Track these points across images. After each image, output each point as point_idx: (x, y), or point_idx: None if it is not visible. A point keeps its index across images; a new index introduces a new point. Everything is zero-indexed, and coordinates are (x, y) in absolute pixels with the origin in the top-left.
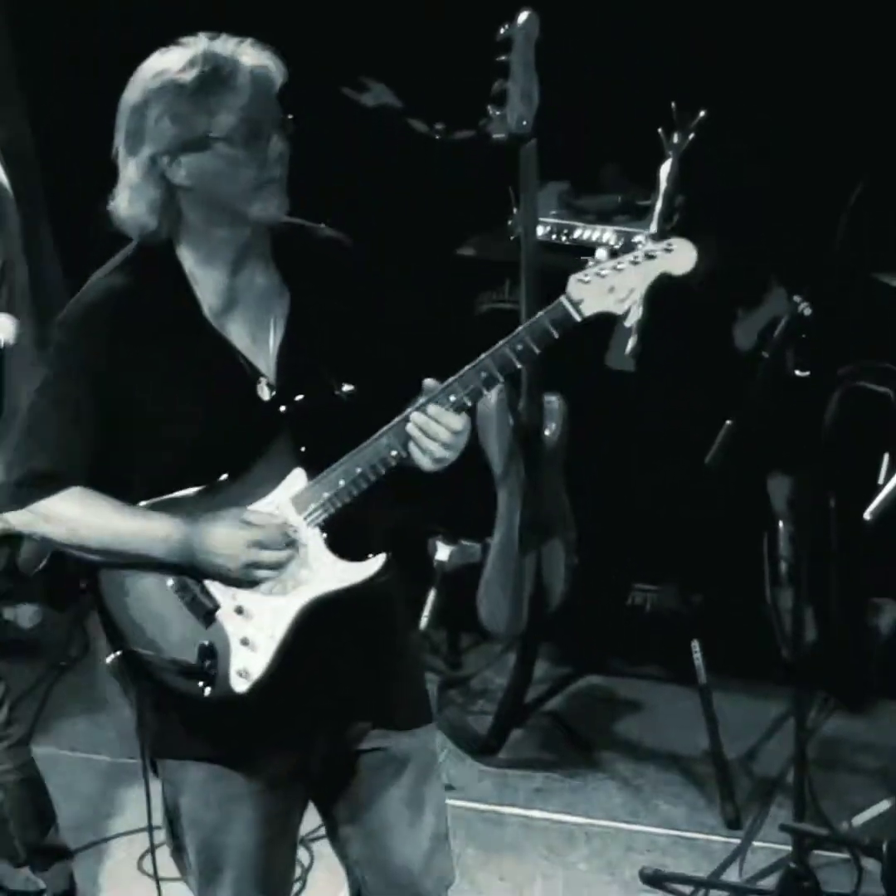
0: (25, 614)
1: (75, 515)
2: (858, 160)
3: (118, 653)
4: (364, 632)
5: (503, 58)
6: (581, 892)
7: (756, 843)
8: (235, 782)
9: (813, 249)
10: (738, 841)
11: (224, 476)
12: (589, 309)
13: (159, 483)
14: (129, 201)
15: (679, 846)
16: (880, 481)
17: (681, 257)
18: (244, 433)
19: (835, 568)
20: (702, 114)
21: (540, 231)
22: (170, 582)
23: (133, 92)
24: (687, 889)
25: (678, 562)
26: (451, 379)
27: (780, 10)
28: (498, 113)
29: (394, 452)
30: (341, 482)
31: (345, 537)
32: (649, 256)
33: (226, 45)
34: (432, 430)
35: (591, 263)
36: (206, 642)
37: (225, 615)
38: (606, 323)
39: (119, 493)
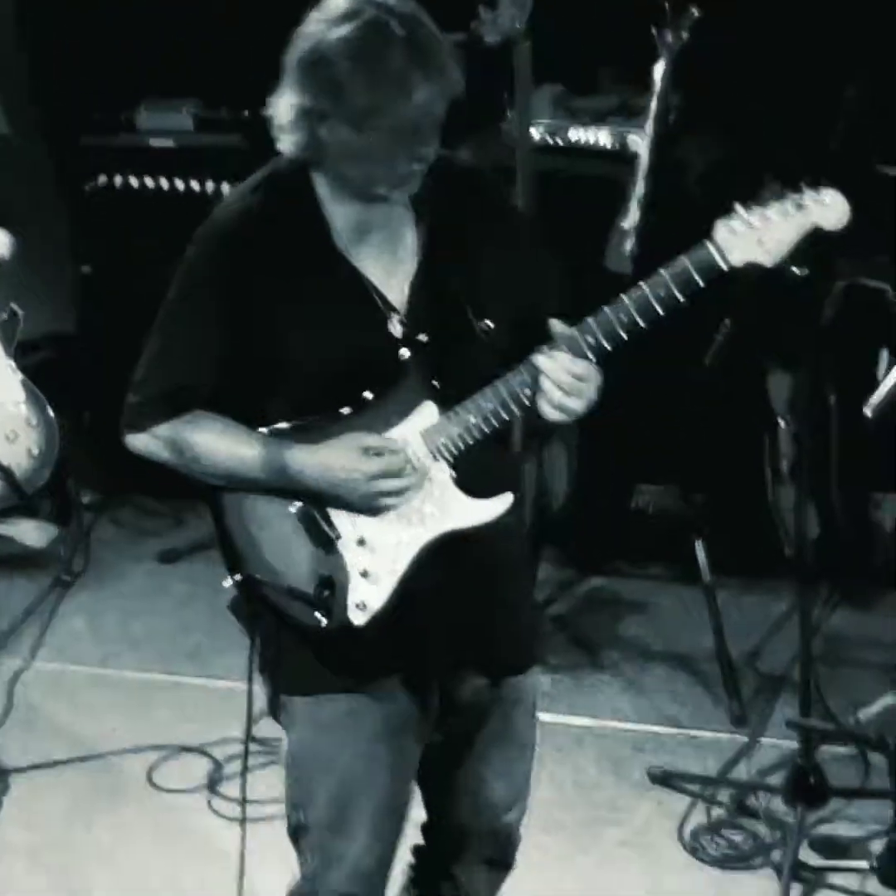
0: (27, 530)
1: (197, 440)
2: (857, 53)
3: (238, 577)
4: (483, 569)
5: None
6: (591, 793)
7: (763, 740)
8: (371, 720)
9: (809, 143)
10: (744, 738)
11: (350, 406)
12: (736, 259)
13: (283, 410)
14: (279, 129)
15: (686, 745)
16: (880, 377)
17: (833, 210)
18: (373, 365)
19: (836, 464)
20: (695, 12)
21: (534, 133)
22: (292, 508)
23: (311, 36)
24: (695, 787)
25: (680, 462)
26: (587, 320)
27: None
28: (490, 15)
29: (527, 391)
30: (472, 419)
31: (472, 474)
32: (799, 207)
33: (422, 33)
34: (556, 377)
35: (737, 210)
36: (325, 572)
37: (346, 545)
38: (604, 225)
39: (241, 418)
